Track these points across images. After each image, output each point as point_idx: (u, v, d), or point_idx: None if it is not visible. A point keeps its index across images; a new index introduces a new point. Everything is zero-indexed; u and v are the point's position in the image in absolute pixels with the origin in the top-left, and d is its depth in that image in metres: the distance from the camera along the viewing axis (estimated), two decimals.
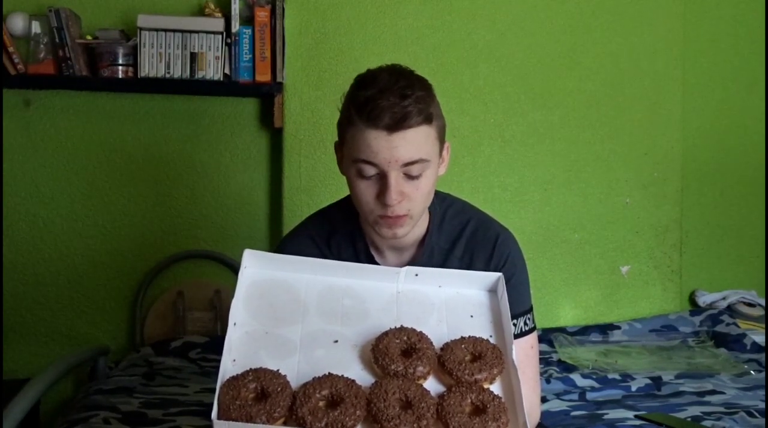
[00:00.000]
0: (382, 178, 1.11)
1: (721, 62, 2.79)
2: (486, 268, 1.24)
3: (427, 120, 1.12)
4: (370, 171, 1.12)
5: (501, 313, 1.00)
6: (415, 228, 1.23)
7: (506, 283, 1.07)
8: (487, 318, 1.01)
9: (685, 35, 2.67)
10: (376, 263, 1.26)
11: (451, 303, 1.02)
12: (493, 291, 1.04)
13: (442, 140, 1.19)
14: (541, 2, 2.54)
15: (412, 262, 1.26)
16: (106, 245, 2.35)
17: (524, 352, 1.24)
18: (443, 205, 1.31)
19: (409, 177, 1.12)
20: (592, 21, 2.57)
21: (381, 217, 1.15)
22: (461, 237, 1.28)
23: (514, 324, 1.23)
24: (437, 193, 1.29)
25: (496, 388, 0.91)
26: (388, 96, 1.08)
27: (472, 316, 1.01)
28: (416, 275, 1.03)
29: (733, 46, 2.79)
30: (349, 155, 1.15)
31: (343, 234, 1.28)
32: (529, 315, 1.28)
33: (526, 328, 1.27)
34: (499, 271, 1.15)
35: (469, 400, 0.87)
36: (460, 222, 1.29)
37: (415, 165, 1.11)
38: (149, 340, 2.32)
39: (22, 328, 2.29)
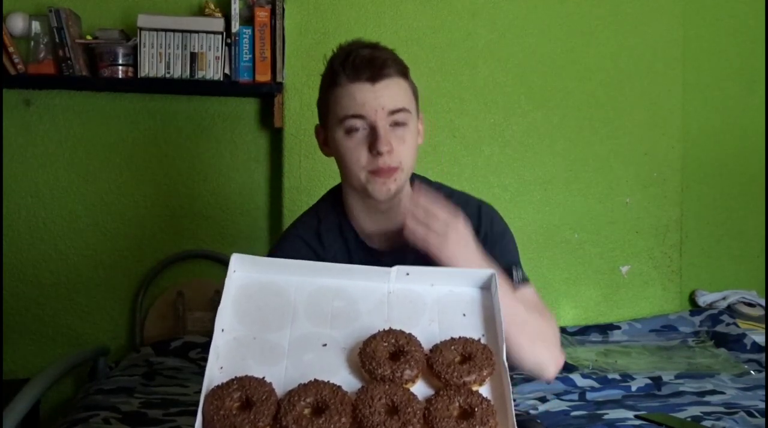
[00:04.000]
0: (372, 131, 1.16)
1: (721, 62, 2.79)
2: (476, 236, 1.22)
3: (403, 74, 1.20)
4: (359, 124, 1.16)
5: (494, 311, 0.98)
6: (401, 208, 1.24)
7: (499, 242, 1.19)
8: (479, 317, 0.99)
9: (685, 35, 2.67)
10: (366, 247, 1.28)
11: (444, 301, 1.00)
12: (486, 288, 1.03)
13: (417, 104, 1.24)
14: (541, 2, 2.54)
15: (400, 241, 1.24)
16: (106, 245, 2.35)
17: (533, 302, 1.23)
18: (423, 181, 1.33)
19: (396, 125, 1.17)
20: (592, 21, 2.57)
21: (373, 173, 1.17)
22: None
23: (512, 275, 1.23)
24: (415, 174, 1.31)
25: (485, 390, 0.89)
26: (364, 49, 1.18)
27: (464, 315, 0.99)
28: (407, 274, 1.01)
29: (733, 46, 2.79)
30: (335, 118, 1.19)
31: (330, 226, 1.29)
32: (521, 270, 1.28)
33: (519, 276, 1.26)
34: (489, 238, 1.22)
35: (457, 404, 0.85)
36: (443, 194, 1.30)
37: (400, 113, 1.17)
38: (149, 340, 2.32)
39: (22, 328, 2.29)
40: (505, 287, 1.12)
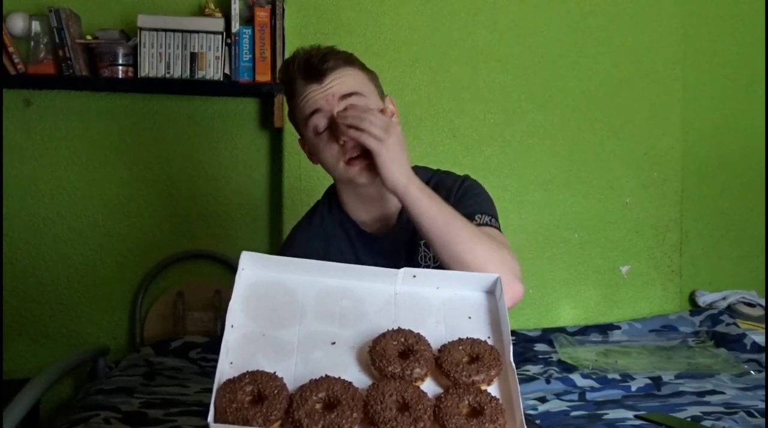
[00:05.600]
0: (332, 122, 1.22)
1: (721, 62, 2.79)
2: (448, 199, 1.26)
3: (348, 62, 1.26)
4: (321, 121, 1.23)
5: (499, 314, 0.99)
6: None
7: (463, 195, 1.27)
8: (485, 320, 1.00)
9: (685, 35, 2.67)
10: (365, 234, 1.34)
11: (449, 304, 1.02)
12: (491, 292, 1.03)
13: (378, 88, 1.31)
14: (541, 2, 2.54)
15: (398, 227, 1.33)
16: (106, 245, 2.35)
17: (489, 231, 1.23)
18: (419, 169, 1.36)
19: None
20: (592, 21, 2.58)
21: (349, 164, 1.23)
22: (428, 184, 1.31)
23: (476, 219, 1.23)
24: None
25: (493, 390, 0.91)
26: (305, 53, 1.25)
27: (470, 318, 1.00)
28: (414, 276, 1.02)
29: (733, 46, 2.80)
30: (302, 123, 1.27)
31: (332, 222, 1.36)
32: (489, 218, 1.28)
33: (483, 220, 1.26)
34: (457, 193, 1.31)
35: (467, 402, 0.86)
36: (426, 173, 1.37)
37: (352, 97, 1.23)
38: (149, 340, 2.32)
39: (22, 328, 2.29)
40: (422, 189, 1.17)
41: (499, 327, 0.98)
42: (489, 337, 0.97)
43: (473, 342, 0.93)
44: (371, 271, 1.02)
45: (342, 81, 1.23)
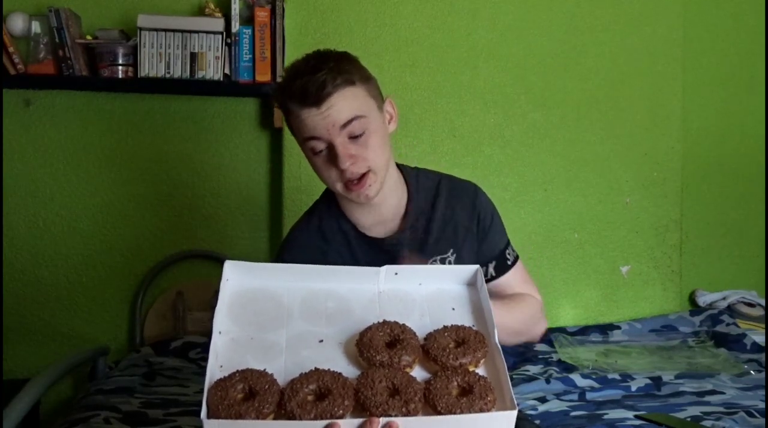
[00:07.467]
0: (331, 149, 1.19)
1: (721, 62, 2.79)
2: (470, 219, 1.34)
3: (348, 82, 1.19)
4: (319, 145, 1.20)
5: (481, 303, 1.01)
6: (392, 197, 1.31)
7: (489, 225, 1.33)
8: (468, 310, 1.02)
9: (685, 35, 2.67)
10: (366, 237, 1.33)
11: (433, 298, 1.04)
12: (472, 284, 1.05)
13: (377, 97, 1.26)
14: (541, 2, 2.54)
15: (400, 231, 1.32)
16: (106, 245, 2.35)
17: (522, 276, 1.40)
18: (414, 171, 1.39)
19: (354, 137, 1.20)
20: (591, 21, 2.57)
21: (346, 185, 1.22)
22: (439, 195, 1.35)
23: (507, 256, 1.38)
24: (404, 166, 1.38)
25: (481, 371, 0.93)
26: (302, 76, 1.18)
27: (453, 309, 1.02)
28: (396, 274, 1.04)
29: (733, 46, 2.80)
30: (300, 140, 1.24)
31: (330, 224, 1.35)
32: (512, 248, 1.42)
33: (512, 256, 1.40)
34: (483, 221, 1.35)
35: (455, 383, 0.88)
36: (433, 178, 1.38)
37: (352, 123, 1.19)
38: (149, 340, 2.32)
39: (22, 328, 2.29)
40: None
41: (482, 316, 1.00)
42: (473, 325, 0.99)
43: (458, 328, 0.96)
44: (354, 272, 1.04)
45: (341, 107, 1.18)
